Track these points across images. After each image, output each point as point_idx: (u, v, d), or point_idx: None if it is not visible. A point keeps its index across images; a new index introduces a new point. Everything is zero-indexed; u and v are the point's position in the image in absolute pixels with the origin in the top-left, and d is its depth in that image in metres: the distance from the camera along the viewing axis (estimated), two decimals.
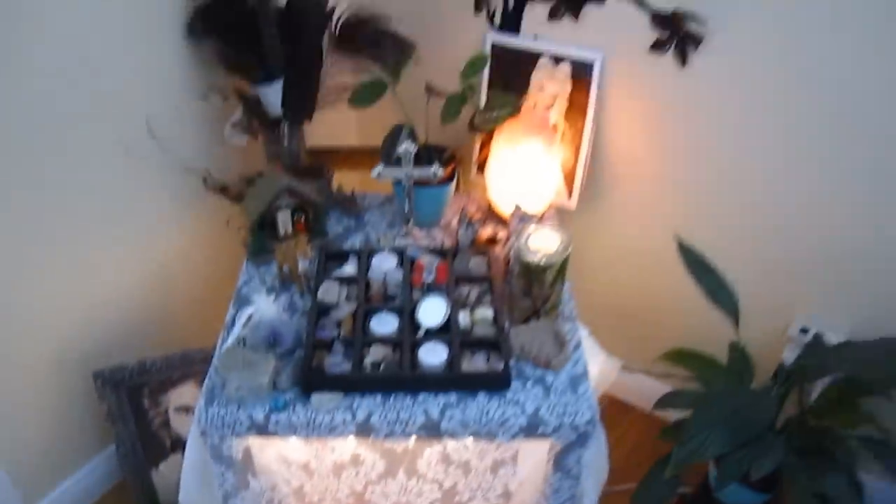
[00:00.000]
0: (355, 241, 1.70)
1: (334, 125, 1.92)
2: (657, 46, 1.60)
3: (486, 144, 1.85)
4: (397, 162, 1.57)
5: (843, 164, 1.53)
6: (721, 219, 1.74)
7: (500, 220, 1.74)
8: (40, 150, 1.41)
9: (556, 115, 1.76)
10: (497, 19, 1.79)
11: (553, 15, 1.70)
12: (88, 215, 1.56)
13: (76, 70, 1.41)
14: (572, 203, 1.83)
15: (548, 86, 1.76)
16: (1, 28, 1.26)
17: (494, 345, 1.39)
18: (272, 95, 1.62)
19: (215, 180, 1.69)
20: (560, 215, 1.82)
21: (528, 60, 1.77)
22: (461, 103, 1.64)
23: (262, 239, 1.61)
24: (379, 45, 1.63)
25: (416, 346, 1.37)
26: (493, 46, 1.81)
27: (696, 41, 1.54)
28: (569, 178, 1.81)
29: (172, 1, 1.56)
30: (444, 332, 1.40)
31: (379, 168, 1.58)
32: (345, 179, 1.87)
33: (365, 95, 1.61)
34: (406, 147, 1.54)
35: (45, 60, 1.35)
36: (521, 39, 1.78)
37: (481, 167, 1.88)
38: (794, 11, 1.43)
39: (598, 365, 1.70)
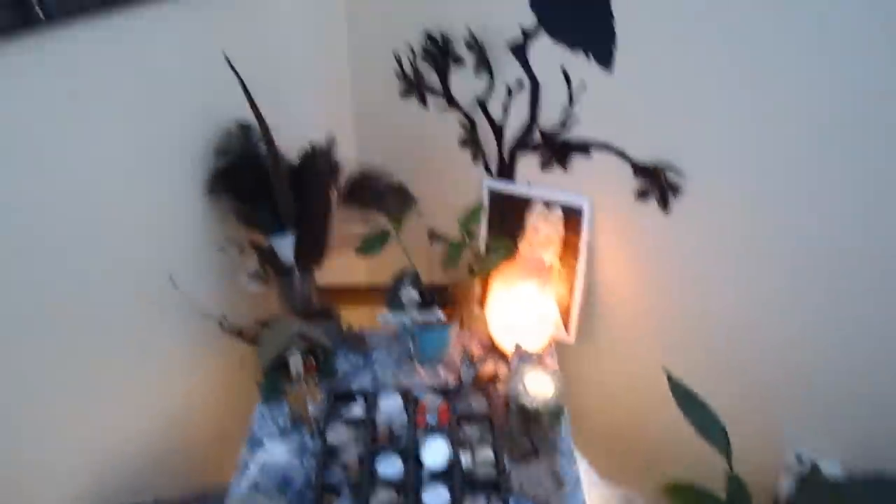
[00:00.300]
0: (363, 380, 1.79)
1: (344, 264, 2.04)
2: (641, 195, 1.72)
3: (486, 281, 1.96)
4: (402, 307, 1.68)
5: (822, 300, 1.61)
6: (710, 350, 1.81)
7: (502, 356, 1.83)
8: (65, 294, 1.48)
9: (552, 255, 1.88)
10: (493, 168, 1.93)
11: (544, 165, 1.84)
12: (108, 357, 1.63)
13: (102, 221, 1.52)
14: (570, 338, 1.93)
15: (542, 228, 1.88)
16: (28, 177, 1.35)
17: (495, 486, 1.46)
18: (285, 246, 1.75)
19: (231, 325, 1.79)
20: (559, 349, 1.91)
21: (523, 205, 1.90)
22: (460, 250, 1.76)
23: (274, 380, 1.70)
24: (383, 198, 1.76)
25: (419, 488, 1.44)
26: (491, 192, 1.95)
27: (676, 190, 1.67)
28: (566, 314, 1.91)
29: (195, 163, 1.70)
30: (447, 473, 1.47)
31: (384, 314, 1.69)
32: (354, 316, 1.97)
33: (371, 245, 1.74)
34: (409, 294, 1.65)
35: (73, 210, 1.45)
36: (515, 186, 1.91)
37: (482, 303, 1.98)
38: (761, 163, 1.56)
39: (598, 497, 1.75)
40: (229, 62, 1.53)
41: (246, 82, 1.57)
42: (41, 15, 1.26)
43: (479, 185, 1.97)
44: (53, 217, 1.41)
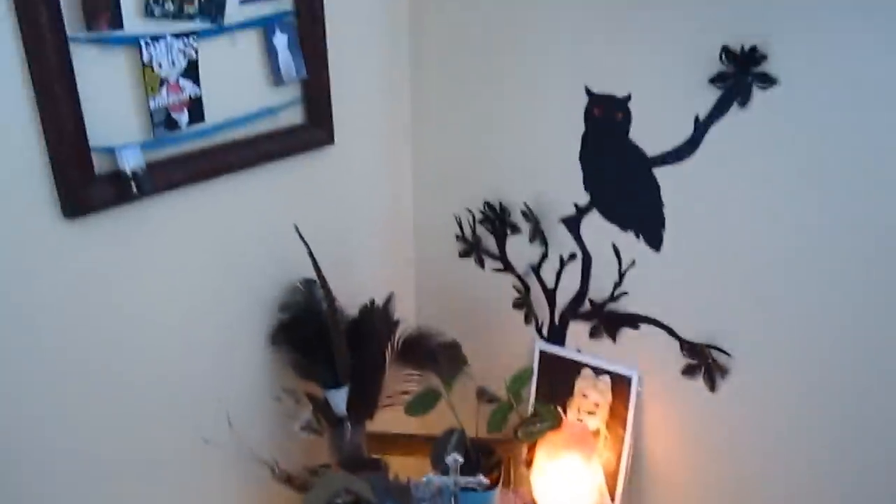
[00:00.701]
0: None
1: (395, 413, 2.09)
2: (688, 371, 1.74)
3: (533, 444, 1.98)
4: (446, 470, 1.71)
5: (861, 473, 1.59)
6: None
7: None
8: (125, 428, 1.58)
9: (599, 422, 1.89)
10: (545, 331, 1.99)
11: (593, 334, 1.89)
12: (157, 495, 1.70)
13: (172, 363, 1.63)
14: None
15: (590, 394, 1.91)
16: (113, 324, 1.49)
17: None
18: (339, 399, 1.82)
19: (282, 471, 1.85)
20: None
21: (572, 369, 1.94)
22: (507, 413, 1.80)
23: None
24: (435, 359, 1.83)
25: None
26: (542, 354, 1.99)
27: (724, 372, 1.69)
28: (611, 481, 1.90)
29: (262, 315, 1.81)
30: None
31: (429, 475, 1.72)
32: (401, 464, 2.01)
33: (419, 406, 1.79)
34: (454, 458, 1.68)
35: (148, 353, 1.57)
36: (566, 350, 1.96)
37: (529, 463, 1.99)
38: (808, 348, 1.57)
39: None
40: (299, 233, 1.66)
41: (316, 241, 1.70)
42: (136, 191, 1.41)
43: (530, 345, 2.02)
44: (129, 358, 1.54)
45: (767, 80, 1.43)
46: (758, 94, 1.46)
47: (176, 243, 1.56)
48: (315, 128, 1.77)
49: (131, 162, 1.40)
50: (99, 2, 1.30)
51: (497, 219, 1.95)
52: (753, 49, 1.42)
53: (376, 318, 1.85)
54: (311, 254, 1.67)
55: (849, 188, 1.42)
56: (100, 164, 1.38)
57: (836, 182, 1.43)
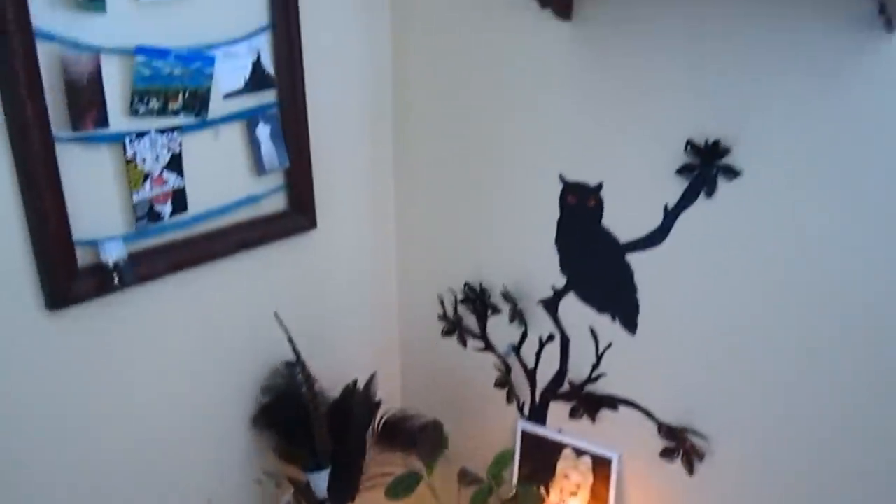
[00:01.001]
0: None
1: (376, 495, 2.08)
2: (666, 454, 1.75)
3: None
4: None
5: None
6: None
7: None
8: None
9: (580, 502, 1.89)
10: (526, 411, 2.00)
11: (573, 414, 1.90)
12: None
13: (152, 446, 1.63)
14: None
15: (572, 475, 1.91)
16: (97, 408, 1.50)
17: None
18: (320, 481, 1.82)
19: None
20: None
21: (554, 449, 1.94)
22: (487, 496, 1.80)
23: None
24: (416, 443, 1.84)
25: None
26: (524, 433, 2.00)
27: (700, 455, 1.70)
28: None
29: (244, 398, 1.82)
30: None
31: None
32: None
33: (400, 488, 1.79)
34: None
35: (129, 435, 1.58)
36: (547, 430, 1.96)
37: None
38: (783, 433, 1.59)
39: None
40: (279, 320, 1.69)
41: (300, 324, 1.74)
42: (117, 283, 1.44)
43: (513, 424, 2.03)
44: (111, 443, 1.55)
45: (731, 172, 1.48)
46: (723, 185, 1.51)
47: (158, 331, 1.58)
48: (297, 214, 1.81)
49: (114, 255, 1.43)
50: (85, 103, 1.35)
51: (477, 299, 1.98)
52: (716, 143, 1.47)
53: (357, 401, 1.86)
54: (290, 339, 1.70)
55: (813, 270, 1.46)
56: (83, 257, 1.41)
57: (800, 265, 1.47)
